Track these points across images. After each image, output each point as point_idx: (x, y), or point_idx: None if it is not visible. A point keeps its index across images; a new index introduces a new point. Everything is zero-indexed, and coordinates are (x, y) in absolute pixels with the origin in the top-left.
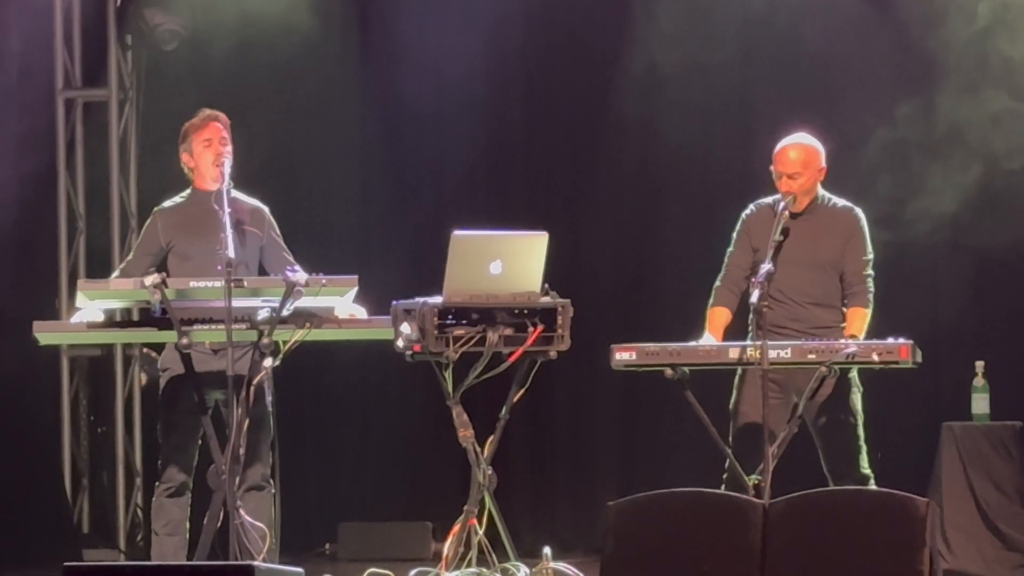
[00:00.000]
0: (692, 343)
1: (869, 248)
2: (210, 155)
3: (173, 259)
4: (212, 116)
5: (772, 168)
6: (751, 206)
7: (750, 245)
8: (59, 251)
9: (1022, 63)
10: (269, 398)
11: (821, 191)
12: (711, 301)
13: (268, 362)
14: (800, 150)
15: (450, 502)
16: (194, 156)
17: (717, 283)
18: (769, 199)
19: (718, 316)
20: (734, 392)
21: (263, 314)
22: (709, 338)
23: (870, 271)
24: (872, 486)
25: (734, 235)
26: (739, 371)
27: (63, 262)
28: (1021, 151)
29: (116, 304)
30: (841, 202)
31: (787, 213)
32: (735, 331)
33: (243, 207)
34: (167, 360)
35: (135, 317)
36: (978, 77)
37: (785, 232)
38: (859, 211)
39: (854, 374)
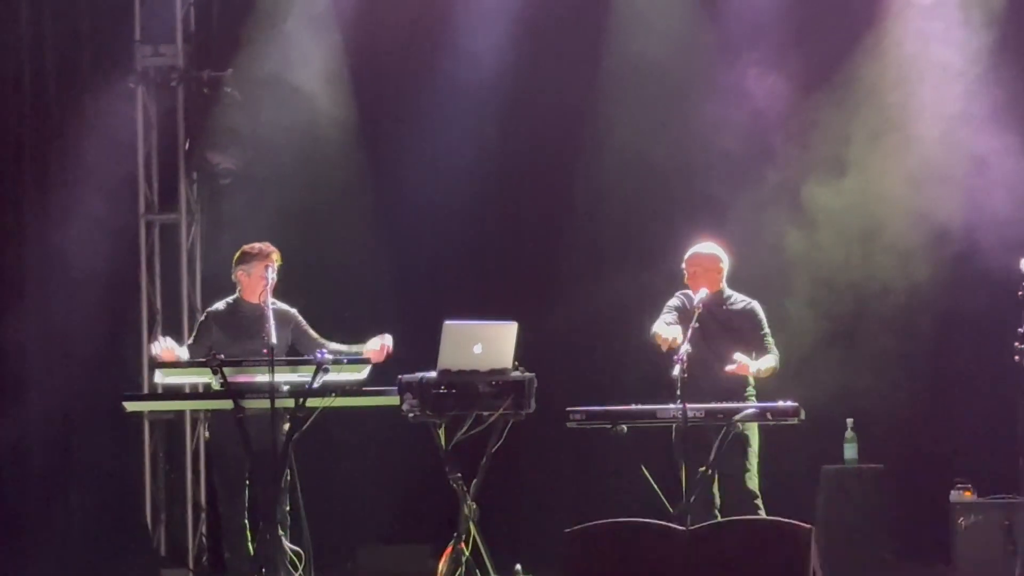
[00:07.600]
0: (628, 406)
1: None
2: (263, 282)
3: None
4: (270, 250)
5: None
6: None
7: None
8: (141, 338)
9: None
10: None
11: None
12: None
13: (286, 427)
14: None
15: (444, 529)
16: (251, 277)
17: None
18: None
19: None
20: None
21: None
22: None
23: None
24: (759, 503)
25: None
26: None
27: (144, 347)
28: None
29: (187, 380)
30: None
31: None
32: None
33: (276, 311)
34: (213, 425)
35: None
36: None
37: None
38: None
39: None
